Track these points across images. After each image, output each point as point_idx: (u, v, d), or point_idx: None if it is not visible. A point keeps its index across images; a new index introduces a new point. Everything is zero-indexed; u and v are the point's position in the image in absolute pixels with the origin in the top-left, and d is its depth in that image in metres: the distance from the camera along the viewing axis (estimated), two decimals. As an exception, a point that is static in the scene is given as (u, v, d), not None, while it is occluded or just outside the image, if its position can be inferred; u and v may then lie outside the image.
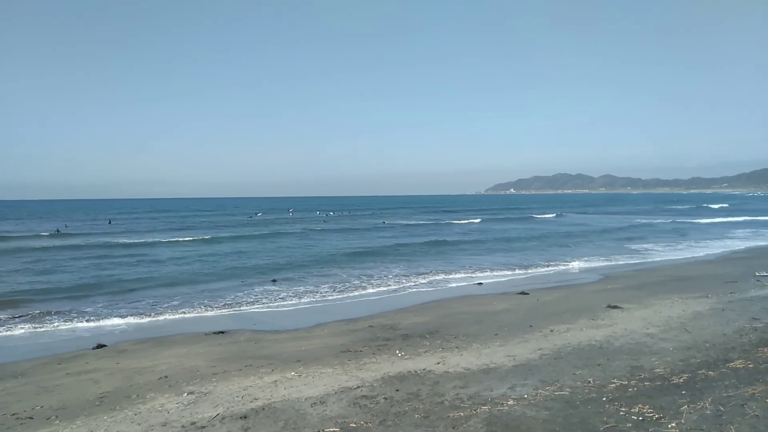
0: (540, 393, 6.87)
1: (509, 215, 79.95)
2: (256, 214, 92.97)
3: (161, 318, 15.31)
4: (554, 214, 77.60)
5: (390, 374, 8.30)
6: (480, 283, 20.12)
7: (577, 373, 7.74)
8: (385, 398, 7.07)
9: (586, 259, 26.51)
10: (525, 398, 6.70)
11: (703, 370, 7.38)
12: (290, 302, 17.39)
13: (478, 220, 65.20)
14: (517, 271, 23.22)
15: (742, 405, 5.83)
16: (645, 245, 33.13)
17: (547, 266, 24.70)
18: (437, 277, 21.95)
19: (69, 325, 14.48)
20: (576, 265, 24.89)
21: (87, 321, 14.95)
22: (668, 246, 32.52)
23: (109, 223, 66.24)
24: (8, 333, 13.74)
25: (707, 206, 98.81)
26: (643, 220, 59.62)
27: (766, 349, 8.28)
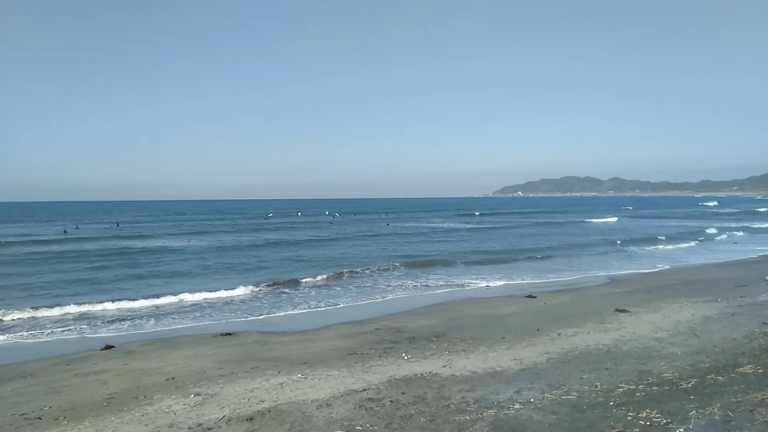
0: (547, 397, 6.84)
1: (545, 219, 73.41)
2: (267, 215, 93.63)
3: (169, 319, 15.40)
4: (614, 218, 70.13)
5: (396, 377, 8.29)
6: (487, 286, 20.07)
7: (585, 377, 7.69)
8: (391, 401, 7.06)
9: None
10: (531, 402, 6.67)
11: (712, 375, 7.31)
12: (298, 304, 17.41)
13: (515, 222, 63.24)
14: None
15: (752, 410, 5.76)
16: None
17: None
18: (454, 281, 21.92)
19: (77, 326, 14.59)
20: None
21: (95, 322, 15.07)
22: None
23: (118, 225, 66.66)
24: (17, 334, 13.87)
25: (755, 210, 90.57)
26: (695, 223, 55.36)
27: (776, 354, 8.19)
